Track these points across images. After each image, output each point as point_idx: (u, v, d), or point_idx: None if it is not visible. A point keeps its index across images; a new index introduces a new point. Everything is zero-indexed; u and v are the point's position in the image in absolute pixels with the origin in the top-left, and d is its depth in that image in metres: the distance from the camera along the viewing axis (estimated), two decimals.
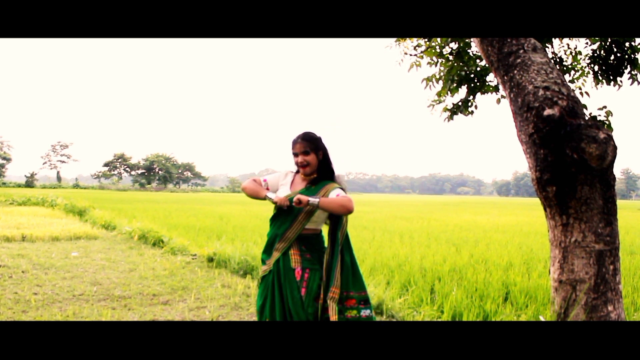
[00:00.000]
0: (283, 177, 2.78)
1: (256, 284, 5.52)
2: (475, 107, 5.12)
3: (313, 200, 2.42)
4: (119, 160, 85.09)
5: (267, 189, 2.72)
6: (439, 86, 5.06)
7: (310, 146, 2.61)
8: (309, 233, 2.65)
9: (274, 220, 2.71)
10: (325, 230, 2.76)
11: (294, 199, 2.42)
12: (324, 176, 2.67)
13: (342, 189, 2.60)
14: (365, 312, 2.59)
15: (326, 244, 2.70)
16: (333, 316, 2.49)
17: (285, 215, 2.62)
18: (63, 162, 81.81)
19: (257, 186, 2.70)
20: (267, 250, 2.71)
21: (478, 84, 4.90)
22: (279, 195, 2.64)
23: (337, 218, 2.63)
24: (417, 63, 5.15)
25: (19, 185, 60.85)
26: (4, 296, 4.71)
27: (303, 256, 2.61)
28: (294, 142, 2.65)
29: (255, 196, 2.67)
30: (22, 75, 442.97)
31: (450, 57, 4.94)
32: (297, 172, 2.77)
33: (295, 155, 2.64)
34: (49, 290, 5.02)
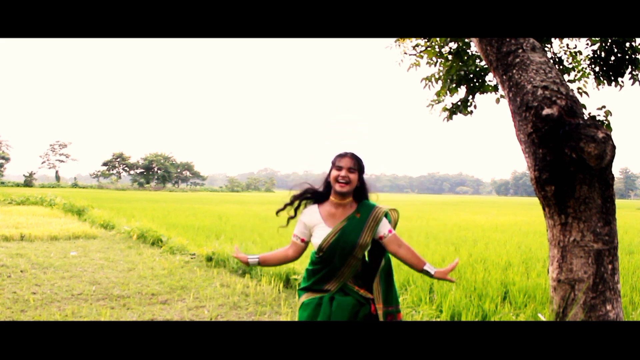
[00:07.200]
0: (309, 217, 2.42)
1: (255, 283, 5.52)
2: (475, 106, 5.12)
3: (429, 268, 2.37)
4: (118, 159, 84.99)
5: (303, 240, 2.44)
6: (438, 86, 5.07)
7: (357, 166, 2.36)
8: (358, 267, 2.41)
9: (318, 262, 2.40)
10: None
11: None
12: (359, 198, 2.42)
13: (386, 216, 2.42)
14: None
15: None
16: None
17: (334, 259, 2.34)
18: (62, 161, 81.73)
19: (267, 256, 2.54)
20: (310, 289, 2.42)
21: (477, 83, 4.90)
22: (315, 241, 2.37)
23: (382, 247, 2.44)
24: (417, 62, 5.15)
25: (18, 185, 60.73)
26: (3, 295, 4.71)
27: (361, 287, 2.42)
28: (341, 155, 2.36)
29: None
30: (21, 75, 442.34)
31: (450, 57, 4.94)
32: (318, 202, 2.45)
33: (339, 168, 2.33)
34: (48, 290, 5.01)
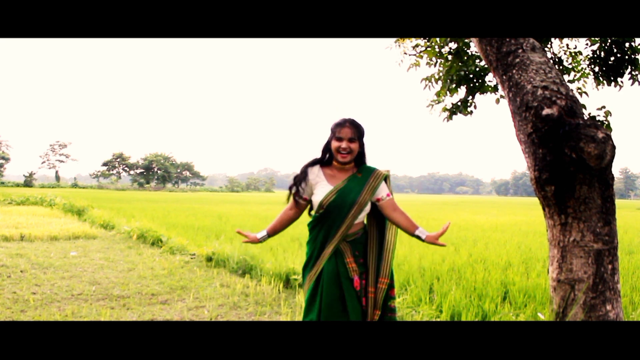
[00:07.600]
0: (312, 175, 2.48)
1: (255, 283, 5.51)
2: (475, 107, 5.13)
3: (420, 232, 2.46)
4: (118, 159, 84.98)
5: (305, 198, 2.51)
6: (438, 86, 5.06)
7: (357, 133, 2.39)
8: (358, 234, 2.49)
9: (317, 223, 2.47)
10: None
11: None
12: (360, 163, 2.50)
13: (385, 180, 2.48)
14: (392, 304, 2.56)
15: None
16: (376, 312, 2.45)
17: (333, 217, 2.40)
18: (62, 161, 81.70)
19: (272, 225, 2.62)
20: (312, 260, 2.51)
21: (477, 83, 4.90)
22: (317, 199, 2.44)
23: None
24: (416, 63, 5.15)
25: (18, 185, 60.68)
26: (3, 296, 4.71)
27: (357, 262, 2.47)
28: (340, 125, 2.39)
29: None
30: (21, 75, 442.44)
31: (450, 57, 4.94)
32: (322, 164, 2.51)
33: (339, 139, 2.38)
34: (48, 290, 5.01)
